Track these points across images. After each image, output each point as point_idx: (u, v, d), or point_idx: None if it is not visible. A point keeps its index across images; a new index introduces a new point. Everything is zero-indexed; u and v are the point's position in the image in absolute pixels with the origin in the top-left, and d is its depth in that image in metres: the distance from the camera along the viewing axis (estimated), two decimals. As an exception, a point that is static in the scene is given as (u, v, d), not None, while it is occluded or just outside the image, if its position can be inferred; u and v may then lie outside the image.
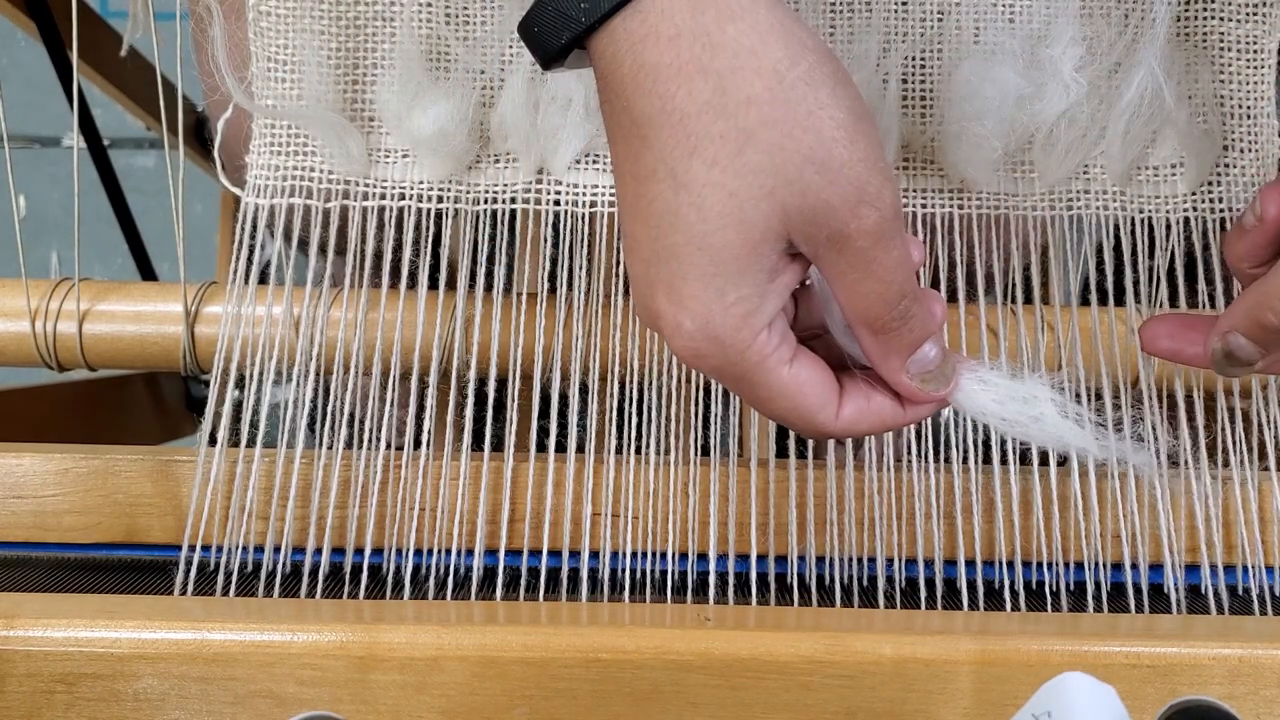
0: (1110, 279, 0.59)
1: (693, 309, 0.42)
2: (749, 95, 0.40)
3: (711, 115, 0.41)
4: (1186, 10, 0.59)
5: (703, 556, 0.58)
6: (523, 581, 0.58)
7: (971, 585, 0.58)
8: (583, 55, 0.44)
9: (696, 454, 0.59)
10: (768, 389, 0.44)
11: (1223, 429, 0.59)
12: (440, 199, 0.58)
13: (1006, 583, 0.58)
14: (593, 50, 0.42)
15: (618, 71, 0.41)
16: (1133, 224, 0.59)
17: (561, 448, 0.59)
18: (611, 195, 0.58)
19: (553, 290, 0.59)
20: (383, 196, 0.58)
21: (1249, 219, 0.50)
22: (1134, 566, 0.58)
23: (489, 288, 0.59)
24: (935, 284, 0.60)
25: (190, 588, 0.56)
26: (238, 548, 0.57)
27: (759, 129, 0.41)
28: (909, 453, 0.58)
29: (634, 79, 0.41)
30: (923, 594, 0.57)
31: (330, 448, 0.58)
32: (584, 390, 0.60)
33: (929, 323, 0.45)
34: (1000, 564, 0.58)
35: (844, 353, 0.47)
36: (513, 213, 0.59)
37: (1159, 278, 0.59)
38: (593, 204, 0.58)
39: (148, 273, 1.16)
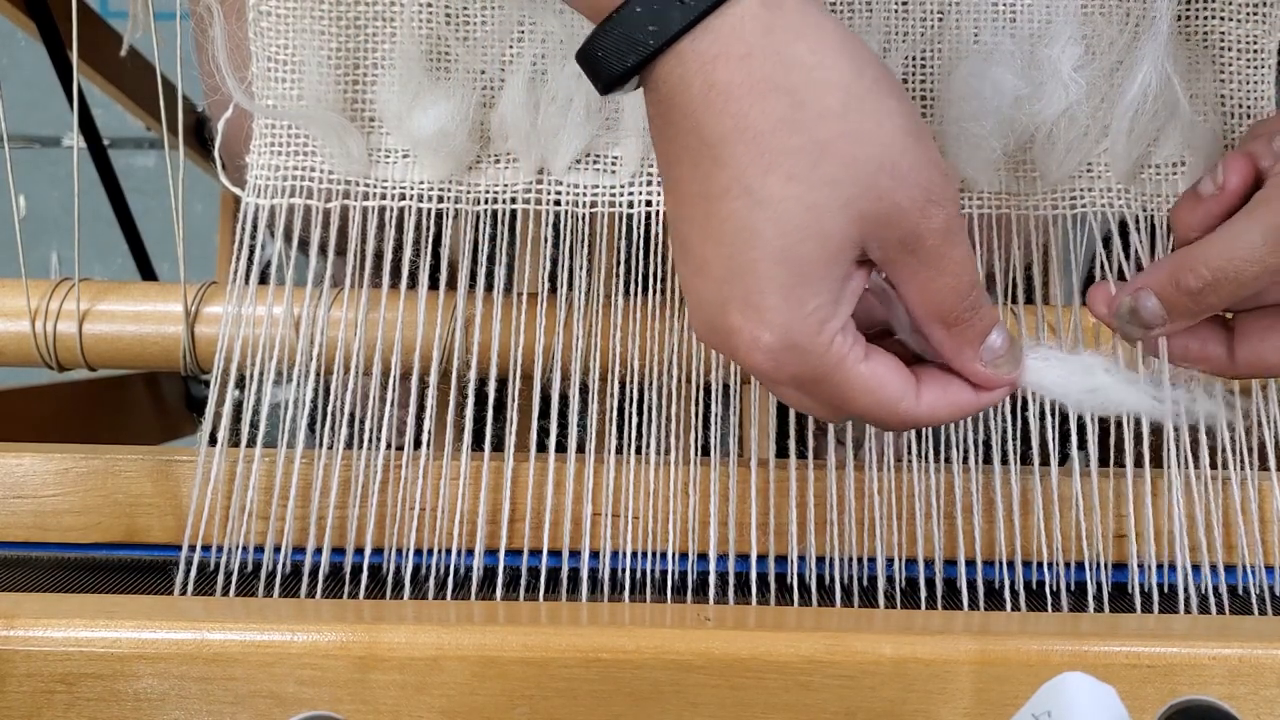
0: (1114, 278, 0.58)
1: (772, 321, 0.42)
2: (822, 109, 0.41)
3: (786, 131, 0.41)
4: (1187, 10, 0.59)
5: (703, 556, 0.58)
6: (523, 581, 0.58)
7: (971, 585, 0.58)
8: (635, 79, 0.44)
9: (696, 454, 0.59)
10: (849, 386, 0.45)
11: (1223, 429, 0.59)
12: (440, 199, 0.58)
13: (1006, 583, 0.58)
14: (656, 74, 0.43)
15: (685, 93, 0.42)
16: (1136, 222, 0.59)
17: (561, 448, 0.59)
18: (611, 195, 0.58)
19: (553, 290, 0.59)
20: (383, 196, 0.58)
21: (1207, 187, 0.50)
22: (1134, 566, 0.58)
23: (489, 288, 0.59)
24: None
25: (190, 588, 0.56)
26: (238, 548, 0.57)
27: (834, 141, 0.41)
28: (909, 453, 0.59)
29: (705, 100, 0.42)
30: (923, 594, 0.57)
31: (330, 448, 0.58)
32: (584, 390, 0.60)
33: (993, 310, 0.47)
34: (1000, 564, 0.58)
35: (910, 351, 0.48)
36: (513, 213, 0.59)
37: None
38: (593, 204, 0.58)
39: (148, 273, 1.16)
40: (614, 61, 0.43)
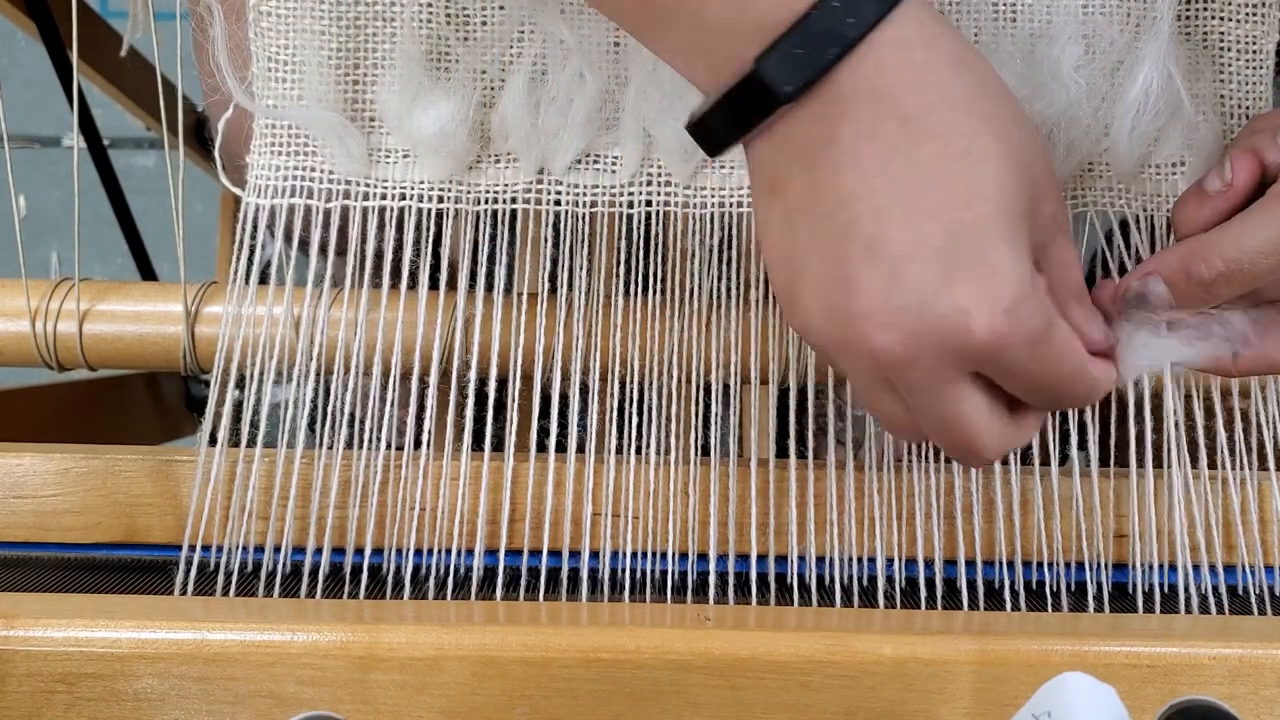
0: (1116, 277, 0.58)
1: (1008, 275, 0.43)
2: (999, 84, 0.45)
3: (981, 99, 0.44)
4: (1187, 9, 0.59)
5: (703, 556, 0.58)
6: (523, 581, 0.58)
7: (971, 585, 0.58)
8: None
9: (696, 454, 0.59)
10: (1064, 342, 0.45)
11: (1223, 429, 0.59)
12: (440, 199, 0.58)
13: (1006, 583, 0.58)
14: (841, 73, 0.43)
15: (880, 79, 0.43)
16: (1137, 222, 0.59)
17: (561, 448, 0.59)
18: (611, 195, 0.58)
19: (553, 290, 0.59)
20: (383, 196, 0.58)
21: (1214, 184, 0.50)
22: (1134, 566, 0.58)
23: (489, 288, 0.59)
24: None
25: (190, 588, 0.56)
26: (238, 548, 0.57)
27: (1014, 111, 0.45)
28: (909, 453, 0.59)
29: (902, 80, 0.43)
30: (923, 594, 0.57)
31: (330, 448, 0.58)
32: (584, 390, 0.60)
33: None
34: (1000, 564, 0.58)
35: None
36: (513, 213, 0.59)
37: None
38: (593, 204, 0.58)
39: (148, 273, 1.16)
40: (805, 63, 0.43)
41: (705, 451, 0.59)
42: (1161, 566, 0.58)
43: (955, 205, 0.43)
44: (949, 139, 0.43)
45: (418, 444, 0.59)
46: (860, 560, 0.58)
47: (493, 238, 0.59)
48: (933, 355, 0.44)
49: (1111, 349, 0.49)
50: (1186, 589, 0.58)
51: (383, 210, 0.58)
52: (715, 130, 0.46)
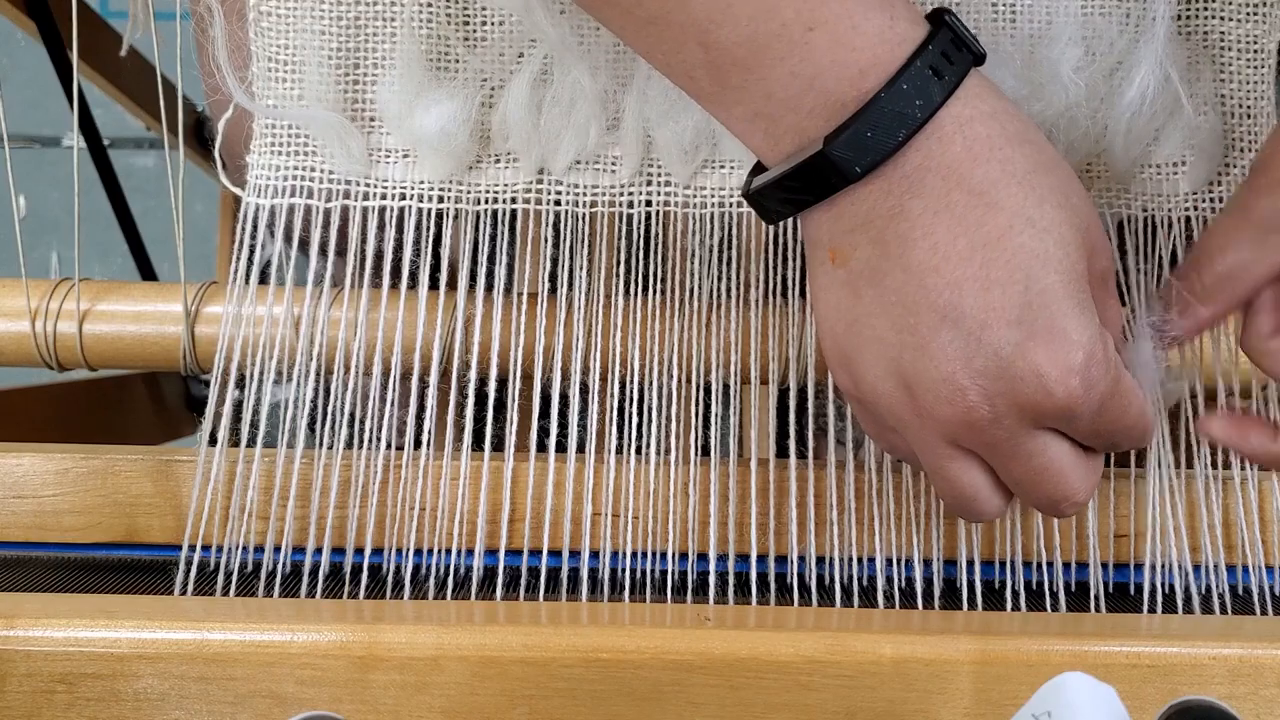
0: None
1: (1079, 340, 0.45)
2: (1054, 156, 0.47)
3: (1042, 171, 0.46)
4: (1187, 9, 0.59)
5: (703, 556, 0.58)
6: (523, 581, 0.58)
7: (971, 585, 0.58)
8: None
9: (696, 454, 0.59)
10: (1130, 394, 0.48)
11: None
12: (441, 199, 0.58)
13: (1006, 583, 0.58)
14: (907, 153, 0.45)
15: (945, 154, 0.45)
16: (1135, 222, 0.59)
17: (561, 448, 0.59)
18: (611, 195, 0.58)
19: (553, 290, 0.59)
20: (383, 196, 0.58)
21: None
22: (1134, 566, 0.58)
23: (489, 288, 0.59)
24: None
25: (190, 588, 0.56)
26: (238, 548, 0.57)
27: (1070, 181, 0.47)
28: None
29: (969, 154, 0.45)
30: (922, 594, 0.57)
31: (330, 448, 0.58)
32: (584, 390, 0.60)
33: None
34: (1000, 564, 0.58)
35: None
36: (513, 213, 0.59)
37: (1160, 275, 0.59)
38: (593, 204, 0.58)
39: (148, 273, 1.16)
40: (874, 146, 0.45)
41: (705, 451, 0.59)
42: (1161, 566, 0.58)
43: (1026, 274, 0.45)
44: (1015, 210, 0.45)
45: (418, 444, 0.59)
46: (860, 560, 0.58)
47: (493, 238, 0.59)
48: (1014, 414, 0.46)
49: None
50: (1186, 589, 0.58)
51: (383, 210, 0.58)
52: (776, 203, 0.48)
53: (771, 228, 0.59)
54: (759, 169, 0.49)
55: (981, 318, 0.45)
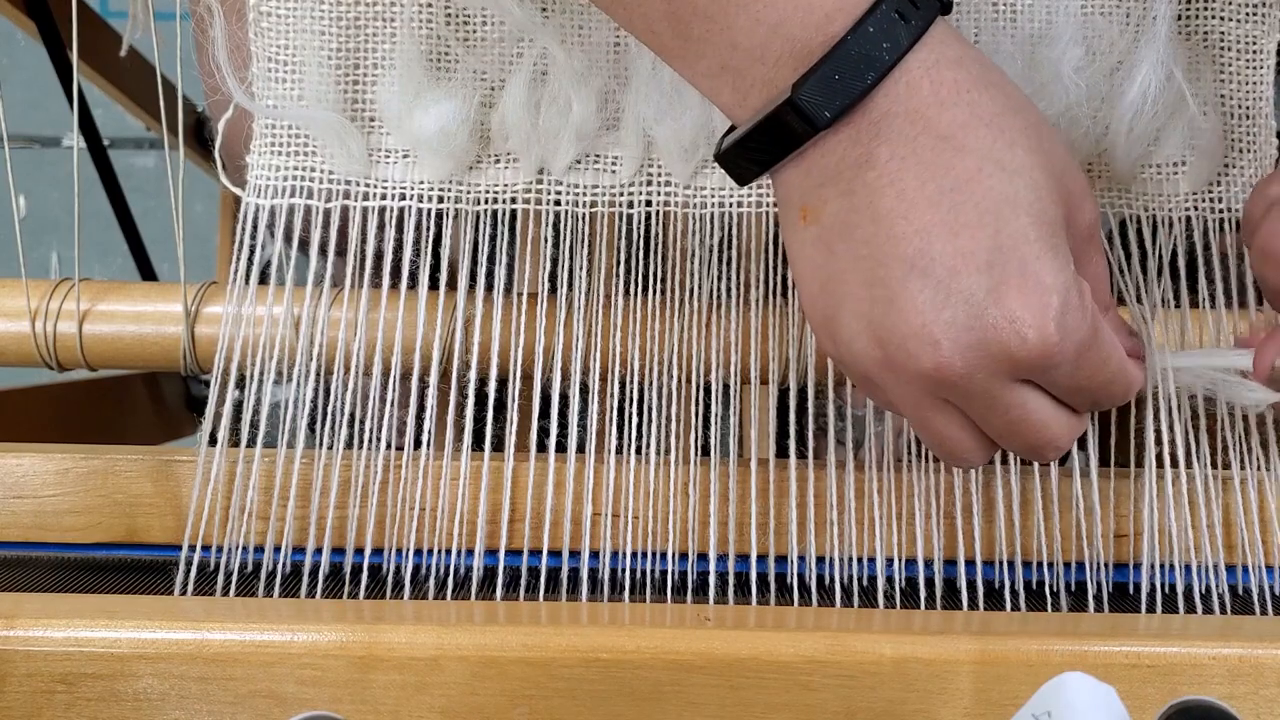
0: (1114, 277, 0.58)
1: (1052, 283, 0.44)
2: (1022, 100, 0.46)
3: (1011, 114, 0.45)
4: (1187, 9, 0.59)
5: (703, 556, 0.58)
6: (523, 581, 0.58)
7: (971, 585, 0.58)
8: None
9: (696, 454, 0.59)
10: (1109, 344, 0.46)
11: (1222, 429, 0.59)
12: (440, 199, 0.58)
13: (1006, 583, 0.58)
14: (874, 98, 0.44)
15: (913, 99, 0.44)
16: (1137, 222, 0.59)
17: (561, 448, 0.59)
18: (611, 195, 0.58)
19: (553, 290, 0.59)
20: (383, 197, 0.58)
21: None
22: (1134, 566, 0.58)
23: (489, 288, 0.59)
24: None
25: (190, 588, 0.56)
26: (238, 548, 0.57)
27: (1040, 124, 0.46)
28: (909, 453, 0.59)
29: (936, 98, 0.44)
30: (923, 594, 0.57)
31: (330, 448, 0.58)
32: (584, 390, 0.60)
33: None
34: (1000, 564, 0.58)
35: None
36: (513, 213, 0.59)
37: (1160, 276, 0.59)
38: (593, 204, 0.58)
39: (148, 273, 1.16)
40: (842, 90, 0.44)
41: (705, 451, 0.59)
42: (1161, 566, 0.58)
43: (1000, 214, 0.44)
44: (984, 153, 0.44)
45: (418, 444, 0.59)
46: (860, 560, 0.58)
47: (493, 238, 0.59)
48: (989, 366, 0.44)
49: (1138, 351, 0.51)
50: (1186, 589, 0.58)
51: (383, 210, 0.58)
52: (747, 162, 0.47)
53: (771, 228, 0.59)
54: (730, 132, 0.48)
55: (951, 264, 0.44)
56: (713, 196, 0.58)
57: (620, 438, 0.59)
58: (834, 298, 0.46)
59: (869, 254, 0.45)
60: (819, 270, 0.46)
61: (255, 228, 0.58)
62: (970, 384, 0.45)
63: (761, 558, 0.59)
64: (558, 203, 0.58)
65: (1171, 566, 0.58)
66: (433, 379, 0.59)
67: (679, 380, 0.60)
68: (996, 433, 0.47)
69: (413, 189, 0.58)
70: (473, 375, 0.60)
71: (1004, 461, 0.58)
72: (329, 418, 0.58)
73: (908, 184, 0.44)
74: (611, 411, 0.59)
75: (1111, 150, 0.58)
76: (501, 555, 0.58)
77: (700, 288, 0.60)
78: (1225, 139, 0.59)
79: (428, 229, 0.58)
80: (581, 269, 0.59)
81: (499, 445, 0.60)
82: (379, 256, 0.58)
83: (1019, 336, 0.44)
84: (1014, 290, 0.43)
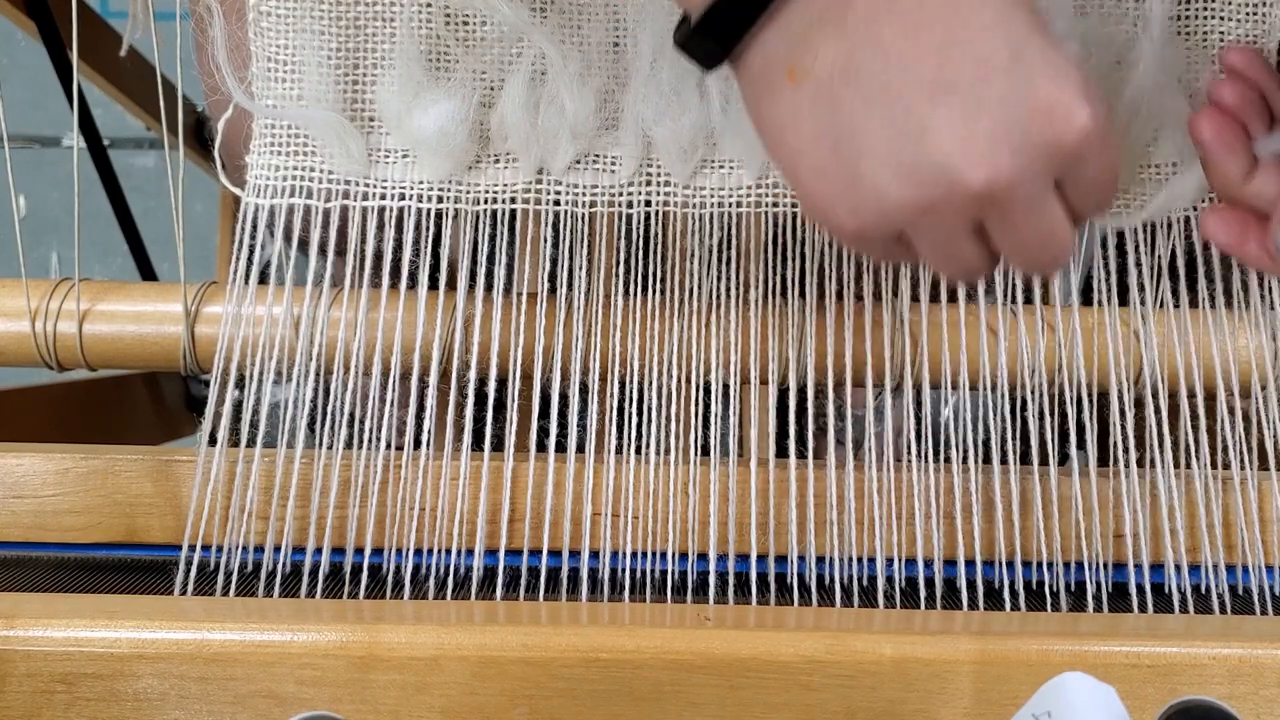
0: (1114, 277, 0.59)
1: (1069, 63, 0.42)
2: None
3: None
4: (1186, 9, 0.59)
5: (703, 556, 0.58)
6: (523, 581, 0.58)
7: (971, 585, 0.58)
8: None
9: (696, 454, 0.59)
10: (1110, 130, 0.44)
11: (1223, 429, 0.59)
12: (440, 199, 0.58)
13: (1006, 583, 0.58)
14: None
15: None
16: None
17: (561, 448, 0.59)
18: (611, 195, 0.58)
19: (553, 290, 0.59)
20: (383, 196, 0.58)
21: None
22: (1134, 566, 0.58)
23: (489, 288, 0.59)
24: (935, 285, 0.60)
25: (190, 588, 0.56)
26: (238, 548, 0.57)
27: None
28: (909, 453, 0.59)
29: None
30: (922, 594, 0.57)
31: (330, 448, 0.58)
32: (584, 390, 0.60)
33: None
34: (1000, 564, 0.58)
35: None
36: (513, 213, 0.59)
37: (1160, 276, 0.59)
38: (592, 204, 0.58)
39: (148, 273, 1.16)
40: None
41: (705, 451, 0.59)
42: (1161, 566, 0.58)
43: (998, 17, 0.42)
44: None
45: (418, 444, 0.59)
46: (860, 560, 0.58)
47: (492, 238, 0.59)
48: (1039, 163, 0.42)
49: None
50: (1185, 589, 0.58)
51: (382, 210, 0.58)
52: (714, 40, 0.45)
53: (771, 228, 0.59)
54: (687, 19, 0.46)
55: (974, 73, 0.41)
56: (712, 196, 0.58)
57: (620, 438, 0.59)
58: (850, 155, 0.43)
59: (882, 89, 0.42)
60: (826, 131, 0.43)
61: (255, 227, 0.58)
62: (1017, 190, 0.42)
63: (761, 558, 0.59)
64: (557, 203, 0.58)
65: (1171, 566, 0.58)
66: (432, 379, 0.59)
67: (679, 380, 0.60)
68: (1022, 244, 0.45)
69: (412, 189, 0.58)
70: (472, 375, 0.60)
71: (1004, 461, 0.58)
72: (329, 417, 0.58)
73: (884, 30, 0.42)
74: (611, 411, 0.59)
75: (1111, 150, 0.58)
76: (501, 555, 0.58)
77: (700, 288, 0.60)
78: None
79: (427, 229, 0.58)
80: (581, 269, 0.59)
81: (499, 445, 0.60)
82: (379, 256, 0.58)
83: (1066, 118, 0.42)
84: (1045, 79, 0.42)
